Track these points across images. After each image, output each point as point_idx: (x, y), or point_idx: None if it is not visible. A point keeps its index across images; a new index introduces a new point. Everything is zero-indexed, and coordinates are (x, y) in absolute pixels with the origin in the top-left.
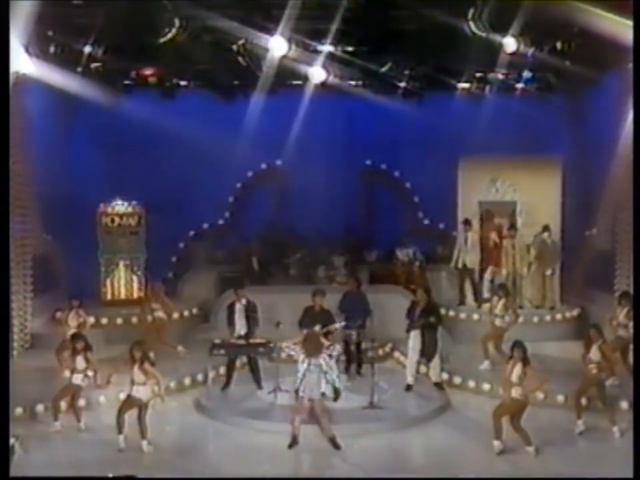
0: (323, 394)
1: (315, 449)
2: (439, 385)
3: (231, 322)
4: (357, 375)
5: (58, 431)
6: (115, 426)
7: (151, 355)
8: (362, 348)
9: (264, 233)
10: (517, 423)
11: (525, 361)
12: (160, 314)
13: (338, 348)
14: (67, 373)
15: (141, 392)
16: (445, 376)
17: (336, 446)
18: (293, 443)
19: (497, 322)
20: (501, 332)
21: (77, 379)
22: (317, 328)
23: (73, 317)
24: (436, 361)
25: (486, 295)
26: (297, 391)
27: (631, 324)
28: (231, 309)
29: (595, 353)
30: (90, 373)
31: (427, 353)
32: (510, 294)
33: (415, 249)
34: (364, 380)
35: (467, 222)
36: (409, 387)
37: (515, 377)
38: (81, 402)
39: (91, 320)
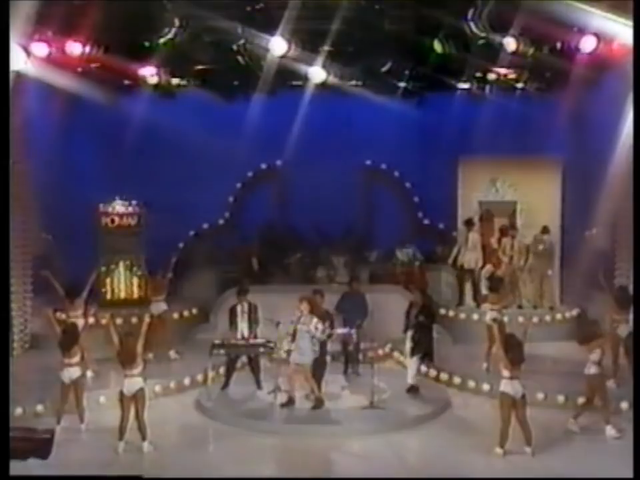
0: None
1: (314, 449)
2: (412, 388)
3: (233, 325)
4: (354, 374)
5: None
6: (115, 426)
7: (150, 355)
8: (360, 348)
9: (264, 233)
10: (522, 417)
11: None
12: (163, 306)
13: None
14: (63, 374)
15: (131, 383)
16: (444, 376)
17: (318, 405)
18: (289, 402)
19: (488, 319)
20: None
21: (75, 372)
22: None
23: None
24: (415, 362)
25: (484, 293)
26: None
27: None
28: (233, 311)
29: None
30: (89, 373)
31: (419, 353)
32: (504, 287)
33: (415, 249)
34: (363, 380)
35: (470, 222)
36: (410, 389)
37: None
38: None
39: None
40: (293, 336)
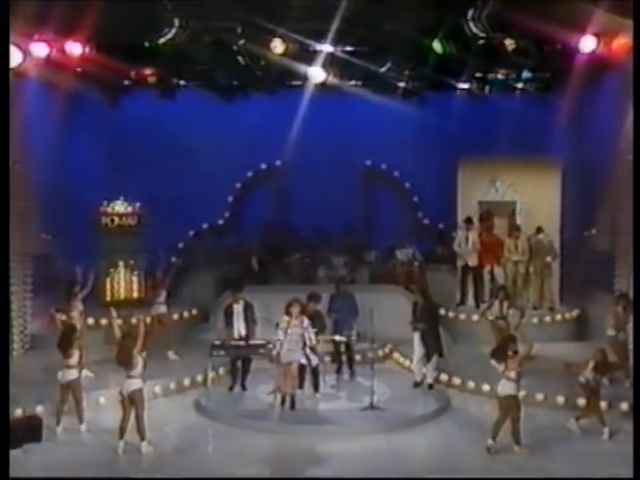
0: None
1: (314, 449)
2: (430, 386)
3: (229, 324)
4: (352, 375)
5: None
6: (115, 426)
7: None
8: (354, 348)
9: (264, 233)
10: (515, 416)
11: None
12: (163, 309)
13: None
14: (61, 375)
15: (130, 384)
16: (444, 376)
17: (292, 406)
18: (284, 401)
19: (500, 324)
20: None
21: (73, 373)
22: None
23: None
24: (431, 364)
25: (485, 295)
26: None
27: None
28: (228, 310)
29: (589, 371)
30: (85, 373)
31: (426, 354)
32: (510, 297)
33: (415, 249)
34: (362, 381)
35: (469, 220)
36: (416, 384)
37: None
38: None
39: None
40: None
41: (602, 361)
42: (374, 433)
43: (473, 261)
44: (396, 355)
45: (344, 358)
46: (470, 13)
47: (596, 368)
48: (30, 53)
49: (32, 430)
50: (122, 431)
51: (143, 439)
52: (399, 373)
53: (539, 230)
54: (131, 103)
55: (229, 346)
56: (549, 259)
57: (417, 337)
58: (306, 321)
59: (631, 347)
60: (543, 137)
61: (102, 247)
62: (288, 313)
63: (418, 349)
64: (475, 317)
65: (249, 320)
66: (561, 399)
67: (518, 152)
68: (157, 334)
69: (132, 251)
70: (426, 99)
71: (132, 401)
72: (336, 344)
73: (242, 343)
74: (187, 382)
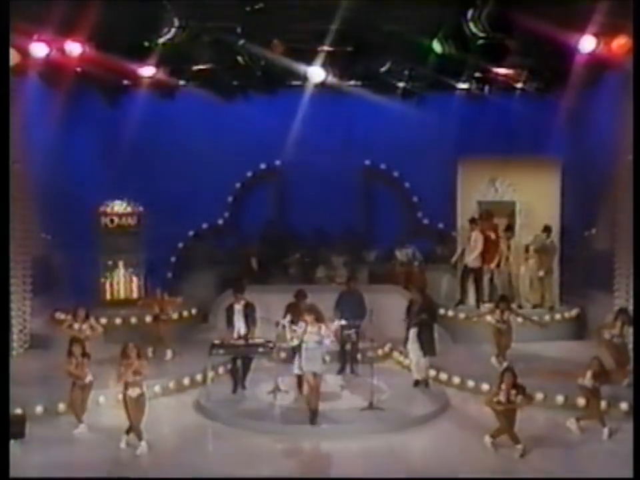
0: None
1: (314, 449)
2: (425, 383)
3: (230, 323)
4: (353, 375)
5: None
6: (114, 426)
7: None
8: (358, 347)
9: (263, 233)
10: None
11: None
12: (163, 317)
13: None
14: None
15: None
16: (443, 375)
17: (313, 420)
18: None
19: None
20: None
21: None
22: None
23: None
24: (425, 361)
25: (485, 295)
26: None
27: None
28: (230, 310)
29: (587, 379)
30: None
31: (423, 351)
32: (511, 306)
33: (414, 249)
34: (362, 380)
35: (474, 220)
36: (417, 382)
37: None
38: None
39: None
40: (299, 346)
41: (599, 369)
42: (373, 433)
43: (476, 261)
44: (396, 355)
45: (347, 357)
46: (470, 13)
47: (594, 376)
48: (29, 52)
49: (15, 427)
50: (130, 428)
51: (140, 439)
52: (399, 373)
53: (546, 229)
54: (130, 103)
55: (228, 345)
56: (549, 260)
57: (412, 334)
58: (324, 329)
59: (630, 346)
60: (543, 136)
61: (101, 247)
62: (300, 318)
63: (413, 346)
64: (475, 317)
65: (250, 320)
66: (560, 399)
67: (518, 152)
68: (156, 334)
69: (132, 250)
70: (426, 99)
71: (134, 402)
72: (342, 344)
73: (241, 342)
74: (186, 381)
